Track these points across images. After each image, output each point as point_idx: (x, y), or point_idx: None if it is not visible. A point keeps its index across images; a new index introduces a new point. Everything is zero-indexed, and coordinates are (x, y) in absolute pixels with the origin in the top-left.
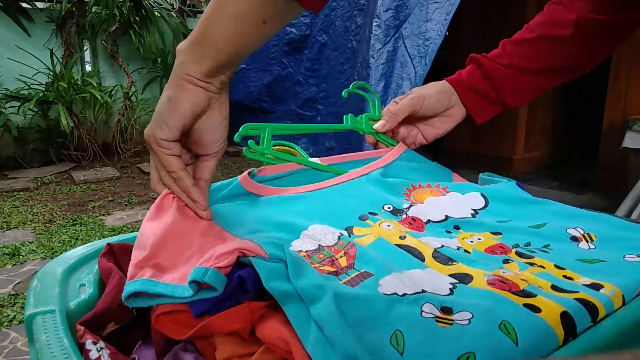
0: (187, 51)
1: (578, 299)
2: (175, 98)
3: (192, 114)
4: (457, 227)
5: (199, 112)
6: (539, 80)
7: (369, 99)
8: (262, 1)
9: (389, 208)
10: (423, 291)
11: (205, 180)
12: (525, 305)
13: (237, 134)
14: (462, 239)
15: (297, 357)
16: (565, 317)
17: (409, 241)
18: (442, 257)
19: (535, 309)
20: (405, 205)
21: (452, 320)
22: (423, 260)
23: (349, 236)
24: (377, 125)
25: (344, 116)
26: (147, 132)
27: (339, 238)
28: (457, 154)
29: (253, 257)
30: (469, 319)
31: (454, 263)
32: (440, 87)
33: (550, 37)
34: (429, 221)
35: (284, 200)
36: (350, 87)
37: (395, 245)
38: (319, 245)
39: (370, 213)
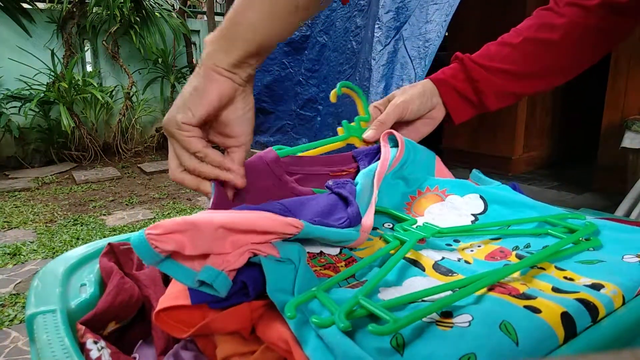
0: (215, 41)
1: (578, 299)
2: (202, 87)
3: (218, 104)
4: (457, 240)
5: (225, 103)
6: (522, 85)
7: (359, 99)
8: None
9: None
10: (423, 301)
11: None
12: (526, 307)
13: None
14: (462, 249)
15: (297, 357)
16: (566, 317)
17: (410, 254)
18: (442, 269)
19: (535, 310)
20: None
21: (452, 323)
22: (423, 270)
23: (350, 250)
24: (366, 136)
25: (342, 122)
26: (166, 117)
27: (340, 251)
28: (456, 153)
29: (265, 256)
30: (469, 321)
31: (454, 274)
32: (421, 89)
33: (537, 40)
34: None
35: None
36: (337, 87)
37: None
38: (321, 251)
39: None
